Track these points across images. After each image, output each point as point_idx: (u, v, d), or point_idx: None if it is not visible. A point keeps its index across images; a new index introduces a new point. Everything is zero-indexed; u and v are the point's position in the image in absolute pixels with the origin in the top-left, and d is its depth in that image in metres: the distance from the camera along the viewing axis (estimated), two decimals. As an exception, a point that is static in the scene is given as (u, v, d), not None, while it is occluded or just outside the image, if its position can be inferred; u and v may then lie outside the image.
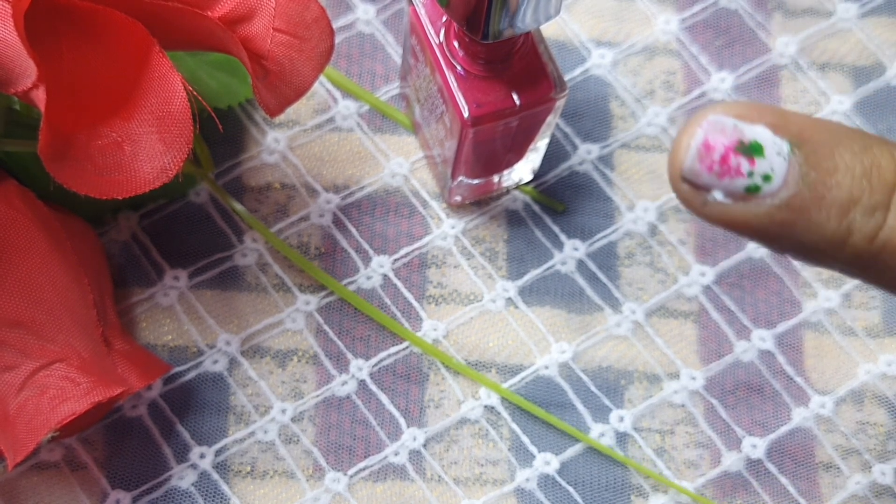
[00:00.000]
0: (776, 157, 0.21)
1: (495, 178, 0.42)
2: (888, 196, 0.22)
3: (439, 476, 0.40)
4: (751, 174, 0.22)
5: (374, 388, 0.41)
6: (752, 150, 0.22)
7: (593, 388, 0.41)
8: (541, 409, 0.40)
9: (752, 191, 0.22)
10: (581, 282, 0.42)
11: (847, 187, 0.22)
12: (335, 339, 0.41)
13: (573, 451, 0.40)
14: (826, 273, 0.43)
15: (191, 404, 0.40)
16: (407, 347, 0.41)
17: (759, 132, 0.22)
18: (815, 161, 0.22)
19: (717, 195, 0.22)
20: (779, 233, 0.22)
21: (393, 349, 0.41)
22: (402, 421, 0.40)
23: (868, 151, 0.22)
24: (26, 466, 0.39)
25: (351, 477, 0.40)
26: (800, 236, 0.22)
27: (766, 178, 0.22)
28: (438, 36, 0.36)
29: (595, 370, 0.41)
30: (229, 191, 0.42)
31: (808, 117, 0.22)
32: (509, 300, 0.42)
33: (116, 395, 0.35)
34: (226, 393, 0.40)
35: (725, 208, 0.22)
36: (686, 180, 0.22)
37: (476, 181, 0.41)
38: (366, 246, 0.42)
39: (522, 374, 0.41)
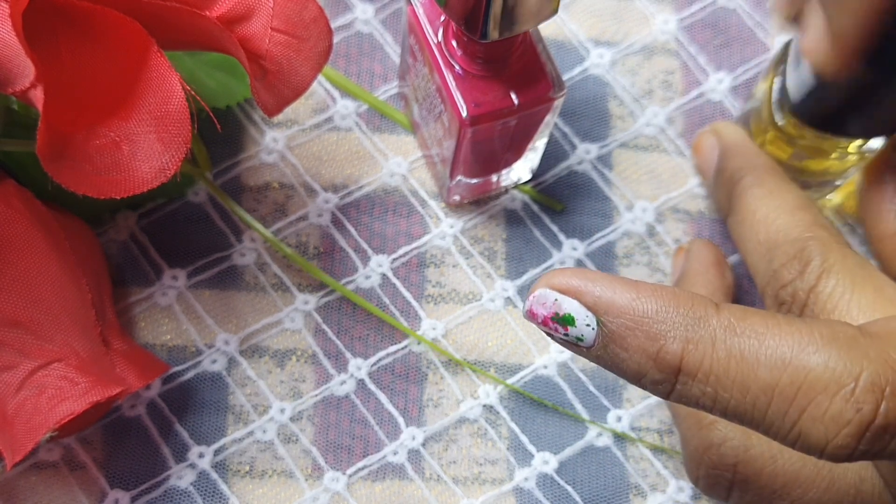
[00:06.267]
0: (585, 327, 0.27)
1: (494, 178, 0.42)
2: (673, 376, 0.27)
3: (438, 475, 0.40)
4: (566, 335, 0.28)
5: (372, 387, 0.41)
6: (565, 320, 0.28)
7: (592, 388, 0.41)
8: (546, 401, 0.40)
9: (572, 343, 0.28)
10: (580, 281, 0.42)
11: (636, 363, 0.27)
12: (334, 338, 0.41)
13: (571, 450, 0.40)
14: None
15: (189, 404, 0.40)
16: (406, 347, 0.41)
17: (573, 307, 0.28)
18: (612, 339, 0.27)
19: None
20: (603, 365, 0.28)
21: (392, 348, 0.41)
22: (400, 420, 0.40)
23: (658, 339, 0.27)
24: (25, 466, 0.39)
25: (350, 476, 0.40)
26: (616, 373, 0.28)
27: (579, 339, 0.28)
28: (437, 35, 0.36)
29: (594, 370, 0.41)
30: (228, 190, 0.42)
31: (622, 298, 0.27)
32: (508, 299, 0.42)
33: (115, 395, 0.35)
34: (224, 392, 0.40)
35: (561, 344, 0.28)
36: None
37: (474, 180, 0.41)
38: (364, 245, 0.42)
39: (521, 374, 0.41)
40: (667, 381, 0.27)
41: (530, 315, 0.28)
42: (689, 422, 0.35)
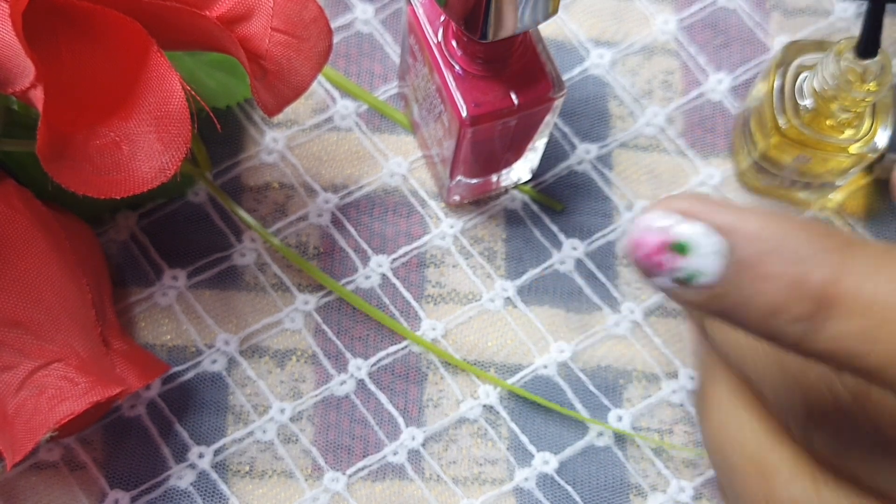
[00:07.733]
0: (712, 255, 0.22)
1: (494, 178, 0.42)
2: (822, 309, 0.22)
3: (438, 475, 0.40)
4: (677, 271, 0.23)
5: (372, 387, 0.41)
6: (681, 248, 0.23)
7: (592, 388, 0.41)
8: (545, 401, 0.40)
9: (681, 282, 0.23)
10: (580, 281, 0.42)
11: (773, 295, 0.22)
12: (334, 338, 0.41)
13: (572, 450, 0.40)
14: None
15: (189, 404, 0.40)
16: (406, 347, 0.41)
17: (694, 232, 0.23)
18: (745, 266, 0.22)
19: (657, 280, 0.23)
20: (715, 313, 0.23)
21: (392, 349, 0.41)
22: (400, 420, 0.40)
23: (802, 264, 0.22)
24: (25, 466, 0.39)
25: (350, 476, 0.40)
26: (733, 321, 0.23)
27: (694, 274, 0.23)
28: (437, 35, 0.36)
29: (594, 370, 0.41)
30: (228, 190, 0.42)
31: (752, 223, 0.23)
32: (508, 299, 0.42)
33: (115, 395, 0.35)
34: (224, 393, 0.40)
35: (666, 287, 0.24)
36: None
37: (474, 181, 0.41)
38: (364, 245, 0.42)
39: (521, 374, 0.41)
40: (812, 316, 0.22)
41: (635, 246, 0.23)
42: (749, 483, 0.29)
